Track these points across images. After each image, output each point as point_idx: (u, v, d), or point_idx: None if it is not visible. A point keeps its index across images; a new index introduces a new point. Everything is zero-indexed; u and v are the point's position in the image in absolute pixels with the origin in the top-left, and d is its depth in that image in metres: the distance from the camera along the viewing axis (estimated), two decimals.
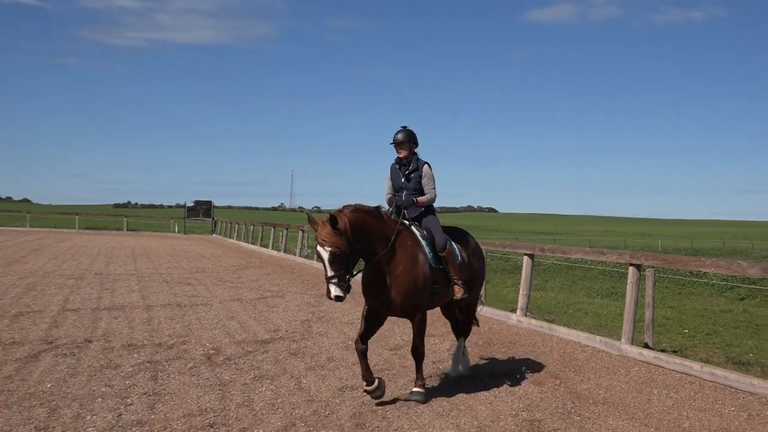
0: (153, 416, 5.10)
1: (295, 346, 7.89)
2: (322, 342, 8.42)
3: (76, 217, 46.32)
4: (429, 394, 5.76)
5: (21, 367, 6.55)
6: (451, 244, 5.96)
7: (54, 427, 4.79)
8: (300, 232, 23.72)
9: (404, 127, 6.01)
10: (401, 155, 5.92)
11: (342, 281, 5.10)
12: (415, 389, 5.65)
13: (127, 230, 45.63)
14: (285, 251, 24.94)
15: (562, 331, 9.16)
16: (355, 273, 5.35)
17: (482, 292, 9.21)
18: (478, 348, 8.29)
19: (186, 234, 46.04)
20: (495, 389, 6.26)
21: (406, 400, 5.48)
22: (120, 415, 5.11)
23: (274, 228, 27.91)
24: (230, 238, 37.13)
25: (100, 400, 5.52)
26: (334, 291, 5.02)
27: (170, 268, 18.93)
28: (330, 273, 5.05)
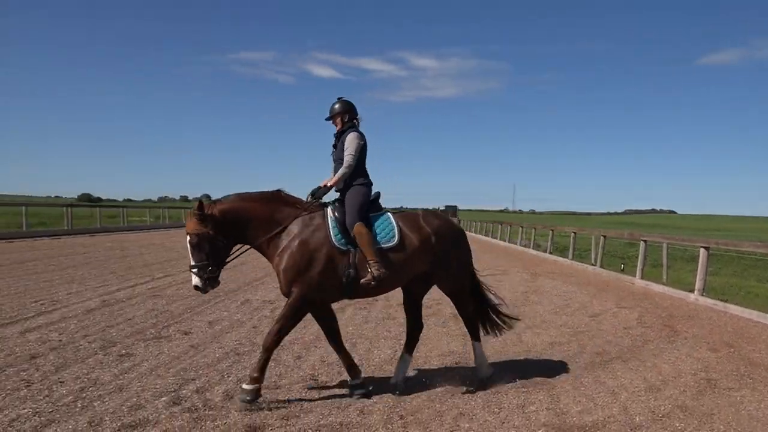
0: (417, 354, 6.06)
1: (517, 311, 8.67)
2: (536, 309, 9.36)
3: None
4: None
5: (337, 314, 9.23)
6: (365, 225, 4.80)
7: (354, 356, 5.58)
8: (520, 228, 27.29)
9: (339, 98, 5.21)
10: (337, 128, 5.18)
11: (203, 271, 4.61)
12: (244, 386, 4.57)
13: None
14: (509, 241, 28.61)
15: (735, 309, 9.33)
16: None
17: (640, 275, 13.20)
18: (660, 319, 8.52)
19: None
20: (676, 352, 6.51)
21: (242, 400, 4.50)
22: (396, 351, 6.22)
23: (501, 224, 33.01)
24: (470, 232, 43.14)
25: (383, 340, 6.80)
26: (194, 281, 4.65)
27: None
28: (192, 262, 4.64)
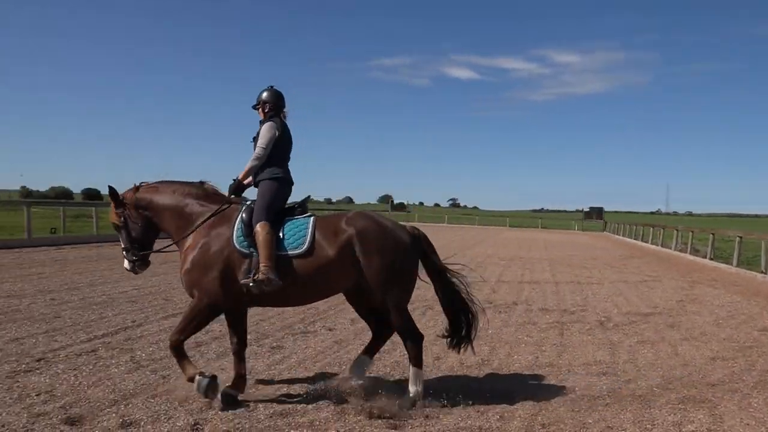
0: (560, 361, 5.96)
1: (672, 320, 8.31)
2: (695, 319, 8.60)
3: (507, 219, 58.12)
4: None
5: None
6: (269, 225, 4.38)
7: (492, 360, 5.89)
8: (674, 231, 25.04)
9: (269, 86, 4.88)
10: (261, 118, 4.85)
11: (130, 254, 4.65)
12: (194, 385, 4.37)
13: (541, 228, 54.04)
14: (662, 245, 26.28)
15: None
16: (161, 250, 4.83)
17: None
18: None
19: (583, 231, 51.33)
20: None
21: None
22: (537, 357, 6.08)
23: (652, 227, 30.55)
24: (617, 234, 41.17)
25: (523, 345, 6.63)
26: (124, 263, 4.74)
27: (571, 255, 21.13)
28: (122, 245, 4.73)
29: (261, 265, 4.27)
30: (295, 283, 4.39)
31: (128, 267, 4.74)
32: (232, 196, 4.67)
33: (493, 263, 16.81)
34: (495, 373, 5.54)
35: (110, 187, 4.71)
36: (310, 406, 4.43)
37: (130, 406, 4.25)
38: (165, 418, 4.04)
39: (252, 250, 4.37)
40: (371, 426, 4.12)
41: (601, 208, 61.67)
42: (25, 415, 4.00)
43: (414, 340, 4.53)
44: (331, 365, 5.57)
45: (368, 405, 4.28)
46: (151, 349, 5.85)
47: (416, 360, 4.51)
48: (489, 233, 40.79)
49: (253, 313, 7.72)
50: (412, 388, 4.52)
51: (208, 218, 4.53)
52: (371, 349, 4.86)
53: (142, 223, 4.68)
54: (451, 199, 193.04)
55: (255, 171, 4.63)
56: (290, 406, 4.43)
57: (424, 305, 9.05)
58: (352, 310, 8.33)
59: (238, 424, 4.02)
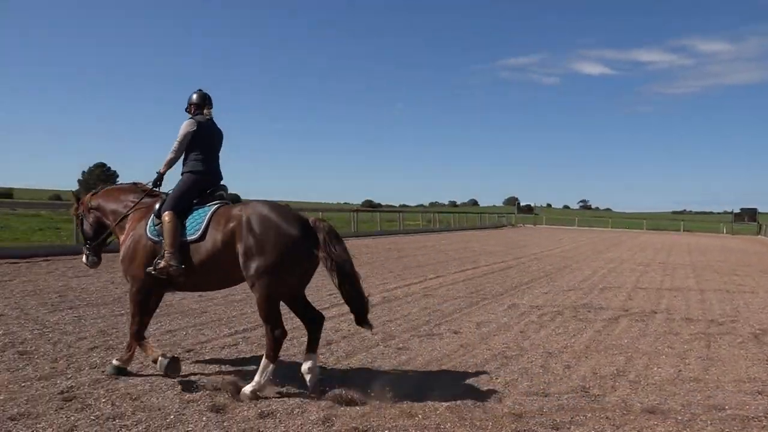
0: (707, 376, 5.49)
1: None
2: None
3: (644, 221, 54.38)
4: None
5: (606, 326, 7.68)
6: (174, 215, 4.68)
7: (629, 372, 5.54)
8: None
9: (198, 90, 5.27)
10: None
11: (86, 250, 5.53)
12: (114, 361, 4.91)
13: (683, 231, 49.90)
14: None
15: None
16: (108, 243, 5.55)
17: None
18: None
19: (733, 235, 46.90)
20: None
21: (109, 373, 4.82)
22: (680, 371, 5.64)
23: None
24: None
25: (663, 357, 6.18)
26: (82, 257, 5.64)
27: (719, 261, 19.28)
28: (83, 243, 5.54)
29: (165, 251, 4.64)
30: (194, 269, 4.64)
31: (84, 260, 5.59)
32: (156, 189, 5.21)
33: (629, 269, 15.81)
34: (632, 385, 5.20)
35: (73, 193, 5.96)
36: (437, 404, 4.42)
37: (268, 398, 4.49)
38: (299, 412, 4.23)
39: (161, 238, 4.74)
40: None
41: (755, 209, 55.24)
42: (177, 401, 4.37)
43: (273, 334, 4.45)
44: (457, 368, 5.54)
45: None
46: (285, 345, 6.13)
47: (270, 353, 4.47)
48: (624, 236, 38.49)
49: (381, 315, 7.89)
50: (256, 378, 4.48)
51: (129, 212, 5.16)
52: (311, 346, 4.74)
53: (93, 222, 5.49)
54: (581, 201, 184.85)
55: (173, 163, 5.08)
56: (418, 404, 4.45)
57: (554, 311, 8.75)
58: (479, 313, 8.32)
59: (367, 421, 4.11)
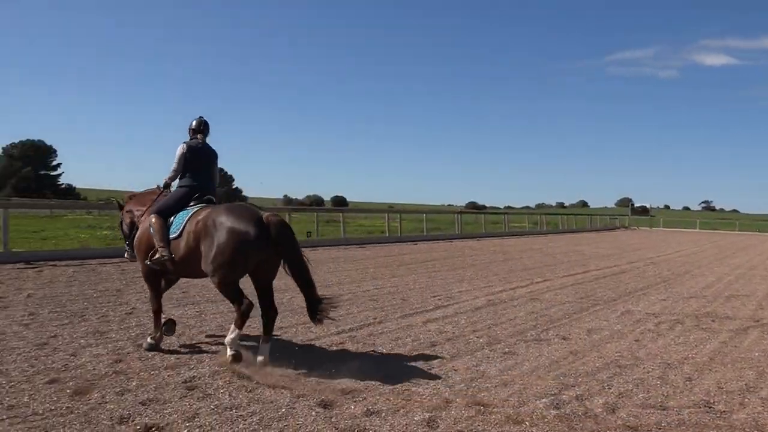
0: None
1: None
2: None
3: None
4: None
5: (733, 337, 7.15)
6: (153, 216, 5.75)
7: (761, 388, 5.11)
8: None
9: (200, 117, 6.32)
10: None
11: (127, 246, 6.52)
12: (147, 339, 5.93)
13: None
14: None
15: None
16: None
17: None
18: None
19: None
20: None
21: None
22: None
23: None
24: None
25: None
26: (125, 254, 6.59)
27: None
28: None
29: (156, 246, 5.59)
30: (178, 262, 5.52)
31: (126, 256, 6.55)
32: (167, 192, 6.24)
33: (760, 275, 14.51)
34: (764, 403, 4.77)
35: (116, 200, 7.25)
36: (545, 412, 4.29)
37: (374, 396, 4.57)
38: (404, 412, 4.28)
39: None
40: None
41: None
42: (288, 395, 4.56)
43: (239, 308, 5.17)
44: (566, 376, 5.34)
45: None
46: (390, 345, 6.24)
47: (238, 321, 5.18)
48: (753, 240, 35.35)
49: (486, 318, 7.79)
50: (227, 337, 5.26)
51: (144, 211, 6.20)
52: (266, 332, 5.34)
53: (128, 222, 6.46)
54: (703, 202, 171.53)
55: (174, 178, 6.08)
56: (525, 410, 4.35)
57: (673, 319, 8.22)
58: (589, 319, 7.99)
59: (472, 425, 4.08)
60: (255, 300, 5.29)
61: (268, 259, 5.25)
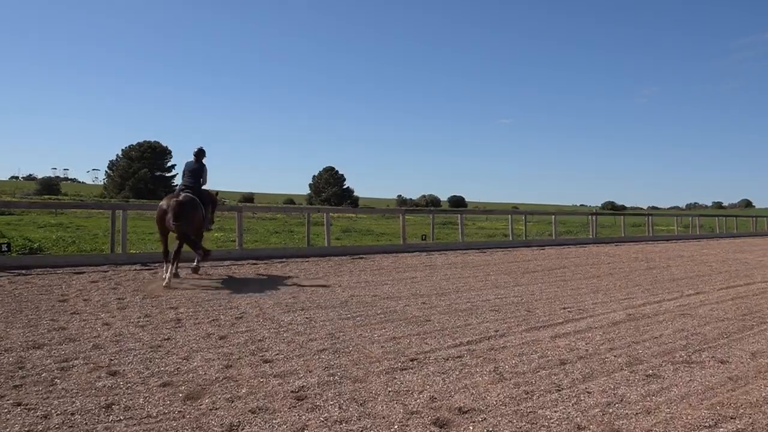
0: None
1: None
2: None
3: None
4: None
5: None
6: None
7: None
8: None
9: (200, 148, 12.03)
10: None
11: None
12: (195, 264, 12.24)
13: None
14: None
15: None
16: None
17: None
18: None
19: None
20: None
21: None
22: None
23: None
24: None
25: None
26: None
27: None
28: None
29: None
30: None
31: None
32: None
33: None
34: None
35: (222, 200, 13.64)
36: None
37: (495, 418, 4.51)
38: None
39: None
40: None
41: None
42: (401, 410, 4.61)
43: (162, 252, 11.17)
44: (724, 406, 4.96)
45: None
46: (514, 361, 6.13)
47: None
48: None
49: (625, 335, 7.42)
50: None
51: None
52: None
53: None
54: None
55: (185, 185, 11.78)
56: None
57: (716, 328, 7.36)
58: (754, 340, 7.35)
59: None
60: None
61: (173, 227, 10.79)
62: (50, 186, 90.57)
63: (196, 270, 11.83)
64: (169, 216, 10.53)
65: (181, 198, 10.67)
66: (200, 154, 11.77)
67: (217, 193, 12.87)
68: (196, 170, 11.56)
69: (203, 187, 11.72)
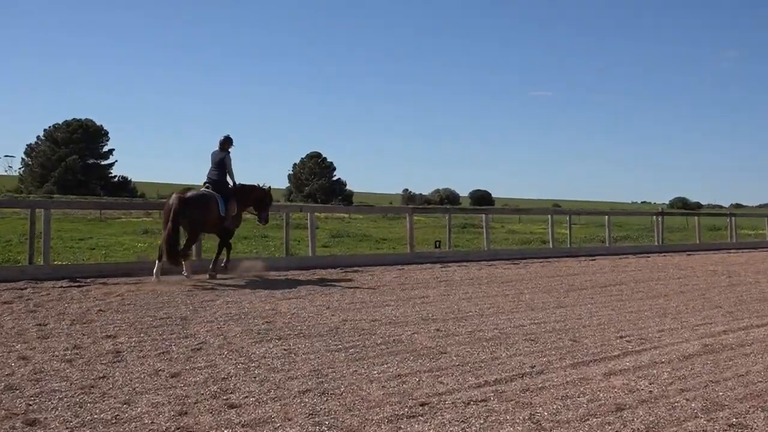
0: None
1: None
2: None
3: None
4: None
5: None
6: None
7: None
8: None
9: (226, 136, 14.39)
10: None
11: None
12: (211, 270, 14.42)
13: None
14: None
15: None
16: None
17: None
18: None
19: None
20: None
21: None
22: None
23: None
24: None
25: None
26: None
27: None
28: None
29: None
30: None
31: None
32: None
33: None
34: None
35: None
36: None
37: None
38: None
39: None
40: None
41: None
42: None
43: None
44: None
45: None
46: (555, 406, 6.13)
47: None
48: None
49: (701, 371, 7.41)
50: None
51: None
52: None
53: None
54: None
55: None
56: None
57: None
58: None
59: None
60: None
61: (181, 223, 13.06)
62: None
63: (214, 275, 14.07)
64: (171, 214, 12.82)
65: (188, 195, 13.21)
66: (226, 142, 14.10)
67: (269, 187, 15.43)
68: (220, 161, 13.90)
69: (238, 182, 14.56)
